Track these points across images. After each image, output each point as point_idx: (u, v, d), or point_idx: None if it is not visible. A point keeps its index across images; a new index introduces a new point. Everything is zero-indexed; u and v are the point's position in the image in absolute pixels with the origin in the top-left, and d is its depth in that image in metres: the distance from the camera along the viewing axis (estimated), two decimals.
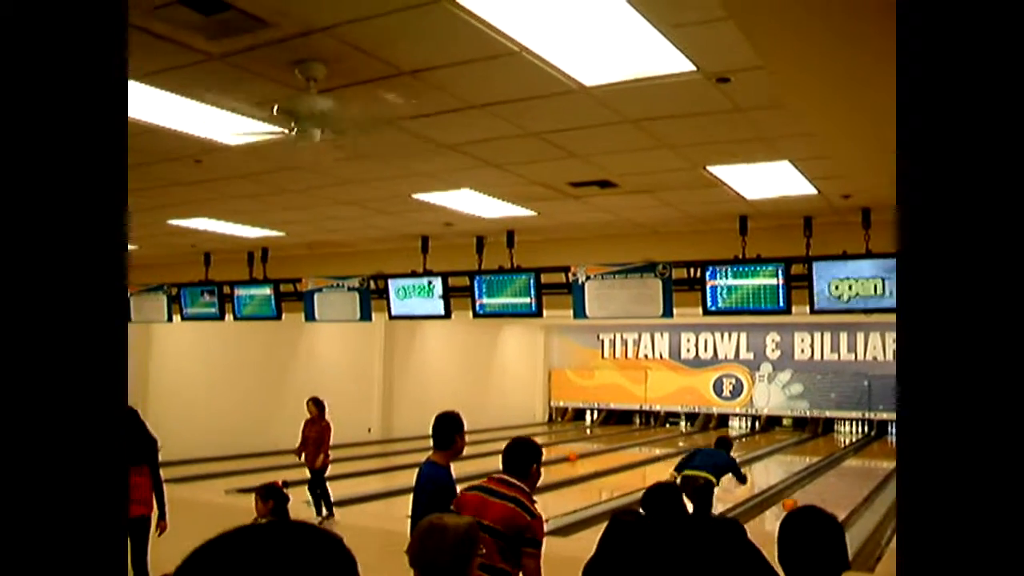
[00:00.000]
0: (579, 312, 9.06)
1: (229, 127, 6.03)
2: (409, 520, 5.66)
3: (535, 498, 4.57)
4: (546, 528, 4.54)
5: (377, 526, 11.04)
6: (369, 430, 22.29)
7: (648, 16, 4.06)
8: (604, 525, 4.37)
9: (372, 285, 10.72)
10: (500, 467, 4.66)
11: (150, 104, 5.55)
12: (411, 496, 5.53)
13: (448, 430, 5.47)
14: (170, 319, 13.04)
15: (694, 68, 4.70)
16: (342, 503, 12.95)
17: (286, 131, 5.17)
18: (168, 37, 4.47)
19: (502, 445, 4.84)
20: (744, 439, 24.77)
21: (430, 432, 5.44)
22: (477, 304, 9.87)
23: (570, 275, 9.20)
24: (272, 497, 5.95)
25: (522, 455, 4.74)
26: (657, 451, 22.44)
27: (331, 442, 12.22)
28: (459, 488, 5.18)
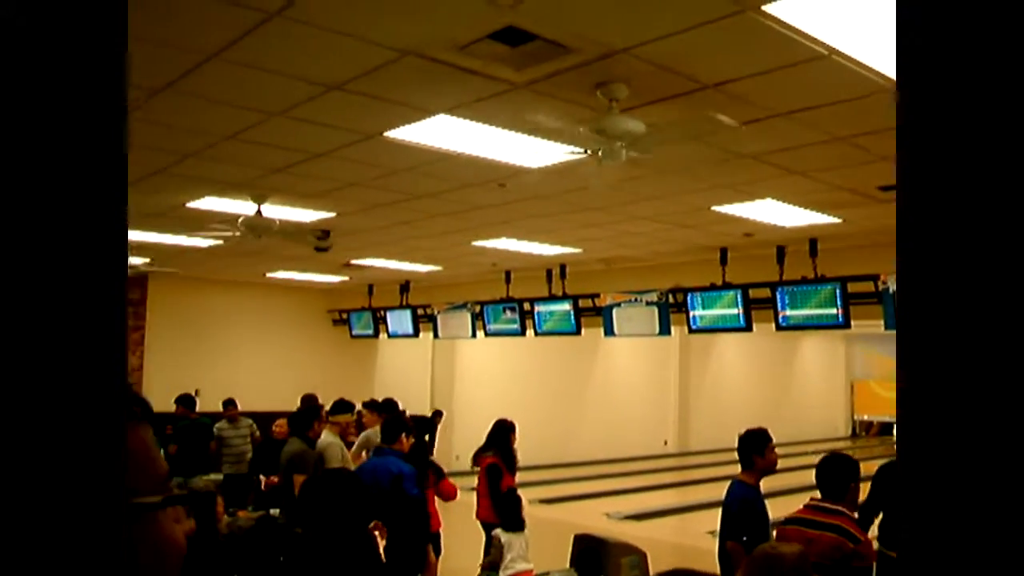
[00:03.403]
0: (891, 322, 8.53)
1: (532, 151, 6.20)
2: (716, 539, 5.56)
3: None
4: None
5: (672, 540, 10.94)
6: (665, 443, 22.18)
7: None
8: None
9: (670, 299, 10.65)
10: (801, 480, 4.44)
11: (457, 134, 5.82)
12: (707, 511, 5.44)
13: (750, 449, 5.33)
14: (474, 335, 13.64)
15: None
16: (638, 516, 12.97)
17: (590, 152, 5.23)
18: (476, 71, 4.66)
19: (802, 460, 4.65)
20: None
21: (727, 445, 5.34)
22: (780, 316, 9.54)
23: (880, 283, 8.69)
24: None
25: (838, 473, 4.52)
26: None
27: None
28: (768, 504, 5.02)
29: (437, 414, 15.69)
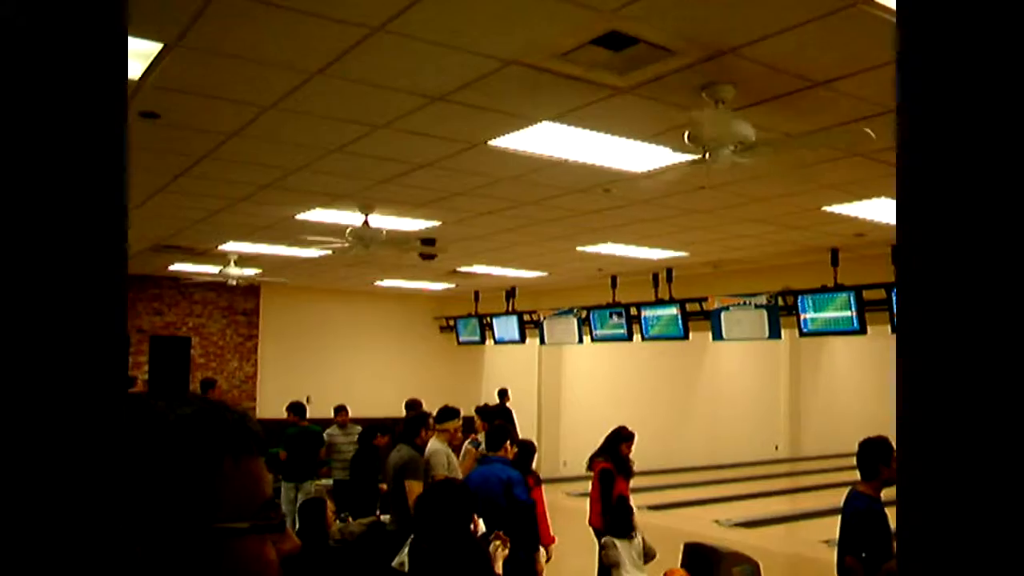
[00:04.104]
0: None
1: (637, 156, 6.13)
2: (831, 548, 5.38)
3: None
4: None
5: (785, 549, 10.67)
6: (776, 447, 21.71)
7: None
8: None
9: (780, 301, 10.41)
10: None
11: (561, 140, 5.78)
12: (821, 519, 5.27)
13: (871, 459, 5.12)
14: (580, 341, 13.58)
15: None
16: (748, 524, 12.70)
17: (697, 156, 5.13)
18: (579, 77, 4.62)
19: None
20: None
21: (841, 451, 5.20)
22: (896, 318, 9.22)
23: None
24: None
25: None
26: None
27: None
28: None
29: (503, 393, 15.57)
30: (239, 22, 3.98)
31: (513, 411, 13.85)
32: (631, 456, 8.03)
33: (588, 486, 8.04)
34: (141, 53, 4.37)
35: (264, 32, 4.10)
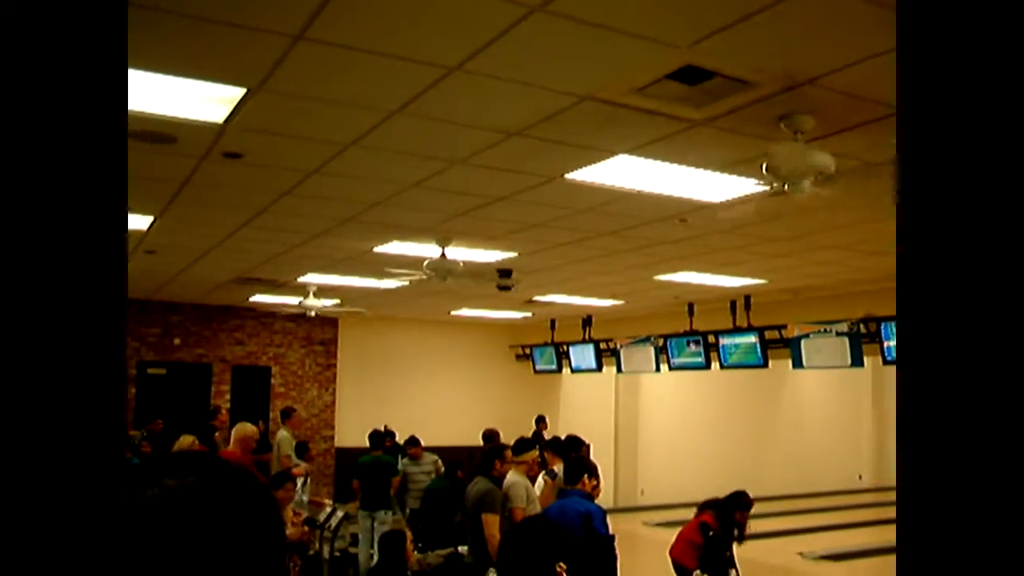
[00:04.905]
0: None
1: (714, 186, 6.08)
2: None
3: None
4: None
5: None
6: (860, 477, 21.18)
7: None
8: None
9: (862, 328, 10.18)
10: None
11: (637, 172, 5.77)
12: None
13: None
14: (658, 369, 13.46)
15: None
16: (834, 556, 12.39)
17: (774, 185, 5.07)
18: (655, 111, 4.60)
19: None
20: None
21: None
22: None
23: None
24: None
25: None
26: None
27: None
28: None
29: (540, 420, 15.47)
30: (319, 66, 4.07)
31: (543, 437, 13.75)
32: (745, 522, 7.71)
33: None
34: (225, 98, 4.49)
35: (343, 74, 4.18)
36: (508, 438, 10.07)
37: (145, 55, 3.97)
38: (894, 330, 9.74)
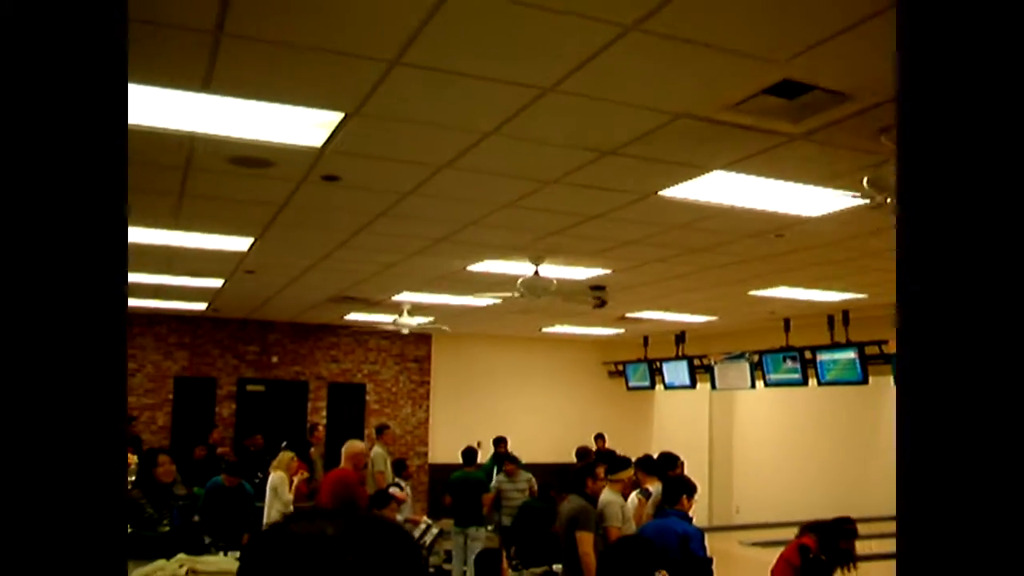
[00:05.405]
0: None
1: (812, 201, 5.97)
2: None
3: None
4: None
5: None
6: None
7: None
8: None
9: None
10: None
11: (732, 188, 5.70)
12: None
13: None
14: (753, 385, 13.24)
15: None
16: None
17: (875, 199, 4.95)
18: (751, 126, 4.55)
19: None
20: None
21: None
22: None
23: None
24: None
25: None
26: None
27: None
28: None
29: (599, 437, 15.28)
30: (414, 90, 4.12)
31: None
32: (852, 549, 7.43)
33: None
34: (323, 123, 4.59)
35: (438, 97, 4.23)
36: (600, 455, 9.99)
37: (245, 84, 4.09)
38: None
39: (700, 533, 6.21)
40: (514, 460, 11.47)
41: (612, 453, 11.57)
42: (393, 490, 9.58)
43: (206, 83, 4.05)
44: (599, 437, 14.93)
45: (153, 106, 4.36)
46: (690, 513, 6.46)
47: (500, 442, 12.84)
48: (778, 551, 7.91)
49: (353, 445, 9.34)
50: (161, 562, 5.89)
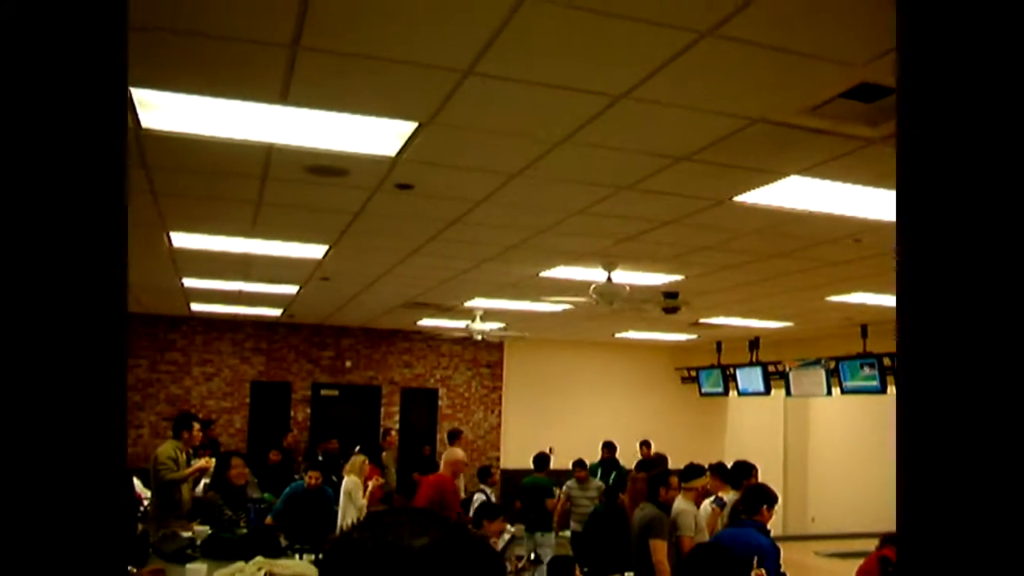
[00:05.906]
0: None
1: (889, 205, 5.85)
2: None
3: None
4: None
5: None
6: None
7: None
8: None
9: None
10: None
11: (809, 193, 5.61)
12: None
13: None
14: (829, 393, 13.00)
15: None
16: None
17: None
18: (828, 131, 4.47)
19: None
20: None
21: None
22: None
23: None
24: None
25: None
26: None
27: None
28: None
29: (608, 446, 15.03)
30: (488, 99, 4.14)
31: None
32: None
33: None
34: (397, 133, 4.64)
35: (511, 106, 4.25)
36: (674, 463, 9.92)
37: (322, 95, 4.16)
38: None
39: (776, 550, 6.07)
40: (582, 466, 11.45)
41: (655, 460, 11.48)
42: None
43: (283, 95, 4.12)
44: (644, 444, 14.78)
45: (232, 118, 4.46)
46: (768, 525, 6.35)
47: (607, 447, 12.88)
48: (856, 563, 7.77)
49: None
50: (240, 564, 6.01)
